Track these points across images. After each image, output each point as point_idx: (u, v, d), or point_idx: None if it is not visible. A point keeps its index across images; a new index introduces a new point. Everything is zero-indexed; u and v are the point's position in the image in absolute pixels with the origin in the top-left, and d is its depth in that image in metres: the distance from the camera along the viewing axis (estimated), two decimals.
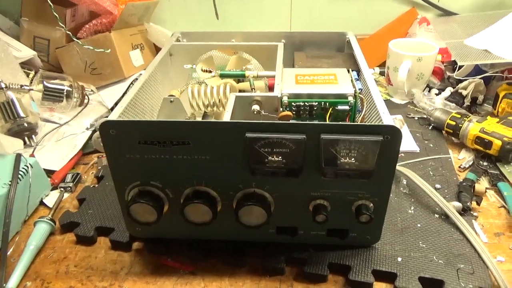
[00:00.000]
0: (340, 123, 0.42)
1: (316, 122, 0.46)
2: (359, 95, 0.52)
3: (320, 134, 0.42)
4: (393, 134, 0.42)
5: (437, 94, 0.87)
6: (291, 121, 0.51)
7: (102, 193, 0.62)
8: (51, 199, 0.63)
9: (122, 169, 0.47)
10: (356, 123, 0.44)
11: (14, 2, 0.99)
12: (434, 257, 0.50)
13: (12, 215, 0.53)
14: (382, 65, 0.98)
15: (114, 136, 0.44)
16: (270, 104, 0.52)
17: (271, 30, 0.74)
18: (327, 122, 0.51)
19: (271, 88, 0.56)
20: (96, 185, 0.64)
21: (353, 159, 0.43)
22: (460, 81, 0.87)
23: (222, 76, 0.60)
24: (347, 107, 0.51)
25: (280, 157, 0.44)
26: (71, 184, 0.65)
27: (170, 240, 0.54)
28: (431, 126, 0.78)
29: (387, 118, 0.44)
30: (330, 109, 0.51)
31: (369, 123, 0.46)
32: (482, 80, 0.84)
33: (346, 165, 0.43)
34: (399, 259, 0.50)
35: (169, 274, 0.51)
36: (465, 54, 0.83)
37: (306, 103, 0.51)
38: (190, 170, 0.46)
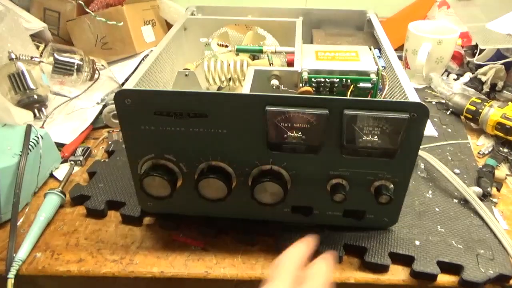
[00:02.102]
0: (365, 98, 0.40)
1: (339, 97, 0.44)
2: (382, 72, 0.50)
3: (344, 110, 0.40)
4: (420, 111, 0.40)
5: (455, 79, 0.85)
6: (313, 95, 0.49)
7: (113, 168, 0.61)
8: (61, 172, 0.62)
9: (136, 141, 0.46)
10: (381, 99, 0.42)
11: None
12: (453, 241, 0.49)
13: (22, 186, 0.53)
14: (399, 48, 0.95)
15: (129, 106, 0.43)
16: (290, 79, 0.50)
17: (288, 7, 0.72)
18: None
19: (289, 64, 0.54)
20: (107, 160, 0.63)
21: (376, 137, 0.41)
22: (480, 66, 0.84)
23: (239, 50, 0.58)
24: (369, 85, 0.49)
25: (300, 133, 0.42)
26: (81, 158, 0.64)
27: (182, 216, 0.53)
28: (449, 111, 0.76)
29: (413, 95, 0.42)
30: (352, 86, 0.50)
31: (394, 100, 0.44)
32: (503, 66, 0.81)
33: (368, 143, 0.42)
34: (417, 242, 0.48)
35: (180, 250, 0.50)
36: (487, 38, 0.80)
37: (326, 79, 0.50)
38: (206, 144, 0.45)
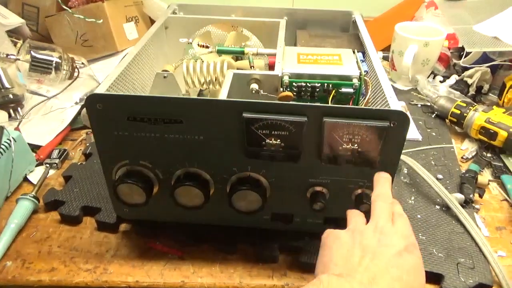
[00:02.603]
0: (344, 106, 0.39)
1: (318, 104, 0.43)
2: (365, 77, 0.49)
3: (323, 117, 0.39)
4: (400, 120, 0.39)
5: (441, 82, 0.84)
6: (291, 102, 0.48)
7: (89, 171, 0.59)
8: (35, 176, 0.60)
9: (110, 147, 0.44)
10: (361, 107, 0.41)
11: None
12: (434, 250, 0.48)
13: None
14: (386, 49, 0.94)
15: (101, 110, 0.41)
16: (270, 83, 0.48)
17: (273, 6, 0.70)
18: (330, 104, 0.48)
19: (271, 66, 0.52)
20: (84, 163, 0.61)
21: (356, 145, 0.40)
22: (466, 69, 0.84)
23: (220, 52, 0.57)
24: (351, 90, 0.48)
25: (279, 140, 0.41)
26: (57, 161, 0.62)
27: (159, 223, 0.51)
28: (434, 114, 0.75)
29: (395, 103, 0.41)
30: (333, 91, 0.48)
31: (374, 107, 0.43)
32: (489, 69, 0.81)
33: (348, 151, 0.41)
34: None
35: (157, 258, 0.48)
36: (474, 41, 0.79)
37: (308, 84, 0.48)
38: (182, 150, 0.43)
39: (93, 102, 0.41)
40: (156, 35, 0.60)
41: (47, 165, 0.61)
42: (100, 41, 0.85)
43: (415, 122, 0.73)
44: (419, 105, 0.79)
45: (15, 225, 0.51)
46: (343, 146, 0.41)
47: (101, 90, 0.42)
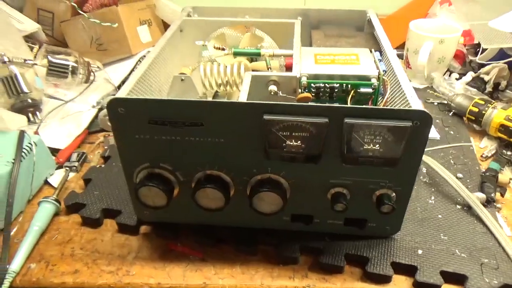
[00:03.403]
0: (365, 106, 0.39)
1: (338, 105, 0.43)
2: (383, 77, 0.48)
3: (344, 118, 0.39)
4: (423, 119, 0.39)
5: (457, 79, 0.83)
6: (312, 104, 0.48)
7: (108, 174, 0.59)
8: (56, 179, 0.61)
9: (131, 150, 0.44)
10: (383, 107, 0.41)
11: None
12: (457, 250, 0.48)
13: (15, 194, 0.51)
14: (400, 47, 0.93)
15: (122, 115, 0.41)
16: (288, 84, 0.48)
17: (286, 7, 0.70)
18: (350, 105, 0.48)
19: (288, 67, 0.52)
20: (103, 165, 0.62)
21: (378, 145, 0.40)
22: (482, 65, 0.82)
23: (236, 54, 0.57)
24: (370, 90, 0.48)
25: (299, 142, 0.41)
26: (76, 164, 0.63)
27: (179, 225, 0.51)
28: (451, 112, 0.74)
29: (416, 103, 0.41)
30: (352, 91, 0.48)
31: (396, 107, 0.43)
32: (506, 65, 0.80)
33: (370, 152, 0.41)
34: (420, 251, 0.47)
35: (178, 260, 0.49)
36: (490, 37, 0.78)
37: (326, 85, 0.48)
38: (203, 153, 0.44)
39: (115, 106, 0.41)
40: (172, 38, 0.60)
41: (67, 168, 0.62)
42: (114, 44, 0.86)
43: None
44: (436, 103, 0.78)
45: (38, 228, 0.51)
46: (365, 147, 0.40)
47: (122, 94, 0.43)
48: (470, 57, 0.86)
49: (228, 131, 0.42)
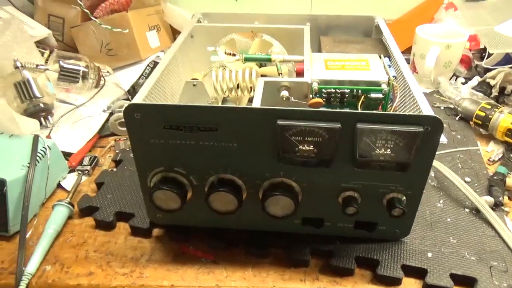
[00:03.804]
0: (377, 112, 0.40)
1: (349, 110, 0.44)
2: (393, 82, 0.49)
3: (356, 123, 0.40)
4: (434, 125, 0.39)
5: (463, 83, 0.84)
6: (323, 109, 0.48)
7: (120, 178, 0.60)
8: (68, 182, 0.62)
9: (146, 154, 0.45)
10: (395, 113, 0.41)
11: None
12: (466, 253, 0.48)
13: (30, 198, 0.52)
14: (406, 51, 0.94)
15: (139, 120, 0.42)
16: (299, 90, 0.49)
17: (294, 13, 0.71)
18: (360, 110, 0.49)
19: (298, 73, 0.53)
20: (114, 169, 0.63)
21: (389, 150, 0.41)
22: (488, 70, 0.83)
23: (247, 60, 0.58)
24: (380, 95, 0.49)
25: (312, 146, 0.42)
26: (88, 168, 0.64)
27: (191, 228, 0.52)
28: (458, 117, 0.75)
29: (427, 108, 0.42)
30: (362, 97, 0.49)
31: (407, 113, 0.43)
32: None
33: (381, 156, 0.41)
34: (429, 254, 0.48)
35: (191, 262, 0.50)
36: (496, 42, 0.79)
37: (337, 90, 0.49)
38: (216, 157, 0.44)
39: (131, 111, 0.42)
40: (183, 44, 0.61)
41: (79, 172, 0.63)
42: (124, 49, 0.87)
43: None
44: (442, 108, 0.79)
45: (52, 231, 0.52)
46: (376, 151, 0.41)
47: (139, 100, 0.44)
48: (476, 62, 0.87)
49: (242, 136, 0.42)
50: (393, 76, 0.50)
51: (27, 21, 0.88)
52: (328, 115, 0.40)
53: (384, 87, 0.49)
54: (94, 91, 0.79)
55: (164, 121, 0.42)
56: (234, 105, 0.43)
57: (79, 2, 0.79)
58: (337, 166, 0.43)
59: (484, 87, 0.82)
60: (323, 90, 0.49)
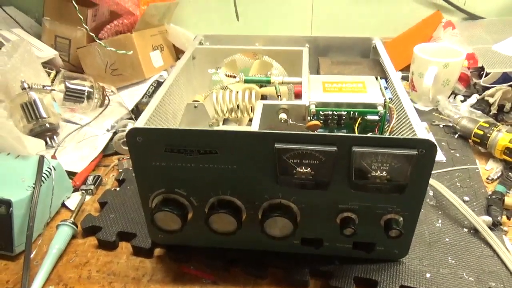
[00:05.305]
0: (372, 135, 0.41)
1: (346, 133, 0.45)
2: (389, 104, 0.50)
3: (352, 147, 0.41)
4: (428, 148, 0.40)
5: (462, 101, 0.85)
6: (320, 132, 0.50)
7: (123, 197, 0.61)
8: (72, 202, 0.63)
9: (148, 176, 0.46)
10: (389, 136, 0.42)
11: (35, 0, 1.00)
12: (464, 274, 0.48)
13: (35, 218, 0.53)
14: (405, 69, 0.95)
15: (141, 143, 0.44)
16: (297, 112, 0.51)
17: (294, 34, 0.73)
18: (356, 132, 0.50)
19: (297, 95, 0.55)
20: (117, 189, 0.64)
21: (385, 172, 0.42)
22: (487, 88, 0.84)
23: (247, 82, 0.59)
24: (377, 117, 0.50)
25: (309, 169, 0.43)
26: (92, 187, 0.65)
27: (191, 248, 0.53)
28: (457, 135, 0.76)
29: (421, 131, 0.43)
30: (359, 118, 0.50)
31: (402, 136, 0.44)
32: (510, 88, 0.81)
33: (377, 178, 0.42)
34: (428, 275, 0.48)
35: (191, 283, 0.50)
36: (493, 60, 0.80)
37: (334, 112, 0.50)
38: (216, 179, 0.45)
39: (134, 135, 0.43)
40: (185, 65, 0.63)
41: (83, 192, 0.64)
42: (128, 69, 0.89)
43: (438, 143, 0.74)
44: (441, 126, 0.79)
45: (56, 250, 0.53)
46: (372, 174, 0.42)
47: (141, 124, 0.45)
48: (475, 80, 0.88)
49: (241, 158, 0.44)
50: (389, 98, 0.51)
51: (35, 42, 0.91)
52: (324, 139, 0.41)
53: (380, 109, 0.50)
54: (99, 111, 0.81)
55: (165, 145, 0.44)
56: (233, 129, 0.44)
57: (85, 26, 0.82)
58: (334, 188, 0.44)
59: (483, 105, 0.83)
60: (321, 112, 0.50)
